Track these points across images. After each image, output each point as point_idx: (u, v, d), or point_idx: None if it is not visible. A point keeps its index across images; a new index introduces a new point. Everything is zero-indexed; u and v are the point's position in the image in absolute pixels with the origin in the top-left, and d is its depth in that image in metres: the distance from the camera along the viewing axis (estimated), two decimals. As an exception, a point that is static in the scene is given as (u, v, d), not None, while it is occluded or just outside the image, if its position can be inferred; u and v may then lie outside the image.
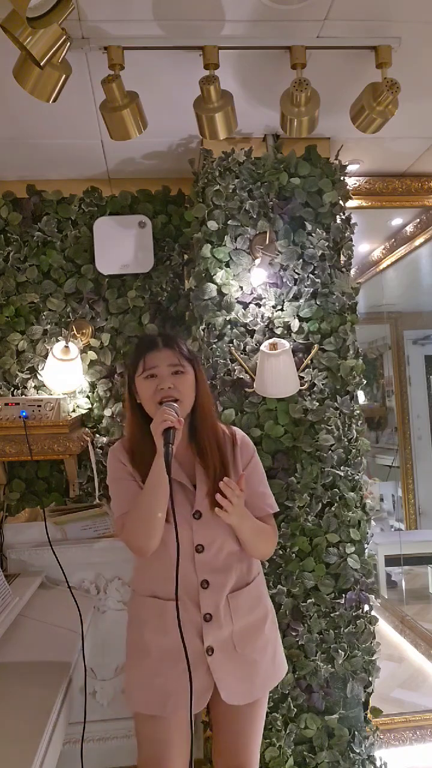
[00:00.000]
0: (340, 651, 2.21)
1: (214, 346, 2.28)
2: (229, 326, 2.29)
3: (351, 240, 2.39)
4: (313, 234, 2.33)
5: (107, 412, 2.63)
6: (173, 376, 1.57)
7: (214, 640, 1.57)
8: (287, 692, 2.19)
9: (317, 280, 2.32)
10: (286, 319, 2.31)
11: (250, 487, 1.66)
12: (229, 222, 2.31)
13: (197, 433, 1.64)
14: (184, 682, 1.51)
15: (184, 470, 1.62)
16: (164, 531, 1.53)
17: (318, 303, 2.32)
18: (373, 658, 2.26)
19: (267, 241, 2.30)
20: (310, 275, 2.32)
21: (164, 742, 1.57)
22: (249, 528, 1.60)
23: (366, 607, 2.27)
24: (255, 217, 2.32)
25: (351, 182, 2.66)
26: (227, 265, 2.30)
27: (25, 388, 2.61)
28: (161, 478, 1.46)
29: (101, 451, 2.61)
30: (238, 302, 2.31)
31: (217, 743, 1.71)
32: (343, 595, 2.24)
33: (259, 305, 2.31)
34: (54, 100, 1.73)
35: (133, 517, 1.54)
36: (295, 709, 2.19)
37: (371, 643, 2.26)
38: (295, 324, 2.31)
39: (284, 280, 2.32)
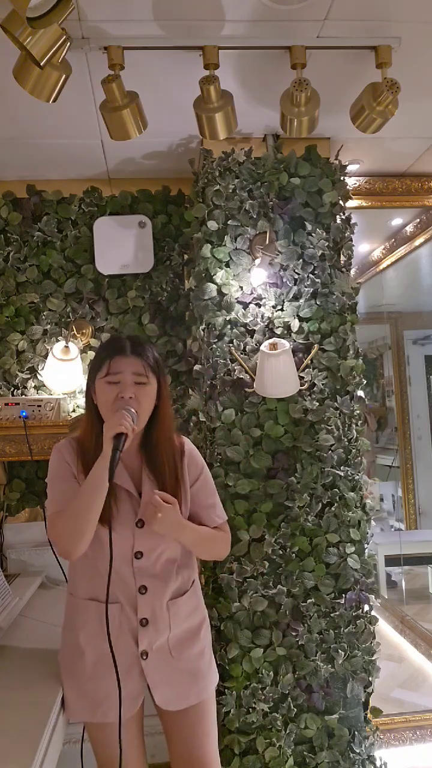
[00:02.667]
0: (340, 651, 2.21)
1: (214, 346, 2.28)
2: (229, 326, 2.29)
3: (351, 240, 2.39)
4: (313, 234, 2.33)
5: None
6: (136, 386, 1.52)
7: (149, 645, 1.56)
8: (287, 692, 2.19)
9: (317, 280, 2.32)
10: (286, 319, 2.31)
11: (200, 501, 1.67)
12: (229, 222, 2.31)
13: (151, 444, 1.60)
14: (116, 688, 1.51)
15: (132, 478, 1.59)
16: (104, 536, 1.49)
17: (318, 303, 2.32)
18: (373, 658, 2.26)
19: (267, 241, 2.30)
20: (310, 275, 2.32)
21: (113, 747, 1.55)
22: (190, 539, 1.60)
23: (366, 607, 2.27)
24: (255, 217, 2.32)
25: (351, 182, 2.66)
26: (227, 265, 2.30)
27: (25, 388, 2.61)
28: (102, 480, 1.43)
29: (101, 451, 2.60)
30: (238, 302, 2.31)
31: (169, 749, 1.69)
32: (343, 595, 2.24)
33: (259, 305, 2.31)
34: (54, 100, 1.73)
35: (66, 517, 1.49)
36: (295, 709, 2.19)
37: (371, 643, 2.26)
38: (295, 324, 2.31)
39: (284, 280, 2.32)
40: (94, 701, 1.56)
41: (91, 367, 1.60)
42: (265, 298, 2.31)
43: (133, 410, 1.48)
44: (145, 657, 1.56)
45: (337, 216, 2.38)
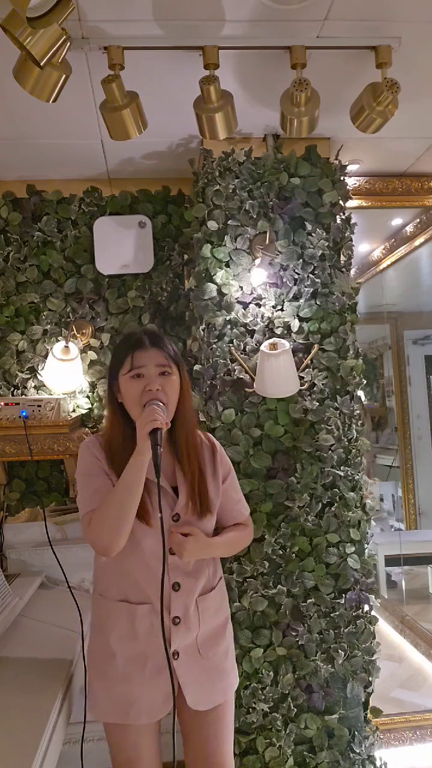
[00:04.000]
0: (340, 651, 2.21)
1: (214, 346, 2.28)
2: (229, 326, 2.29)
3: (351, 240, 2.39)
4: (313, 234, 2.33)
5: (107, 412, 2.63)
6: (160, 377, 1.52)
7: (180, 644, 1.55)
8: (287, 692, 2.19)
9: (317, 280, 2.32)
10: (286, 319, 2.31)
11: (229, 497, 1.70)
12: (229, 222, 2.31)
13: (177, 437, 1.60)
14: (148, 689, 1.52)
15: (164, 473, 1.58)
16: (139, 532, 1.50)
17: (318, 303, 2.32)
18: (373, 658, 2.26)
19: (267, 241, 2.30)
20: (310, 275, 2.32)
21: (133, 747, 1.55)
22: (220, 552, 1.65)
23: (366, 607, 2.27)
24: (255, 217, 2.32)
25: (351, 182, 2.66)
26: (227, 265, 2.30)
27: (25, 388, 2.61)
28: (139, 477, 1.44)
29: (101, 451, 2.61)
30: (238, 302, 2.31)
31: (187, 748, 1.69)
32: (343, 595, 2.24)
33: (259, 305, 2.31)
34: (54, 100, 1.73)
35: (103, 514, 1.47)
36: (295, 709, 2.19)
37: (371, 643, 2.26)
38: (295, 324, 2.31)
39: (284, 280, 2.32)
40: (127, 703, 1.53)
41: (112, 365, 1.59)
42: (265, 298, 2.31)
43: (161, 403, 1.48)
44: (176, 657, 1.55)
45: (337, 216, 2.38)
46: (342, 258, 2.37)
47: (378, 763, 2.24)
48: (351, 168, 2.54)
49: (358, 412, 2.33)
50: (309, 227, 2.34)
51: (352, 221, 2.40)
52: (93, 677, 1.60)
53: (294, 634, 2.20)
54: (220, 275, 2.28)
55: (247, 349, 2.30)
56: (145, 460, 1.44)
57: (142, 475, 1.45)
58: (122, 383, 1.54)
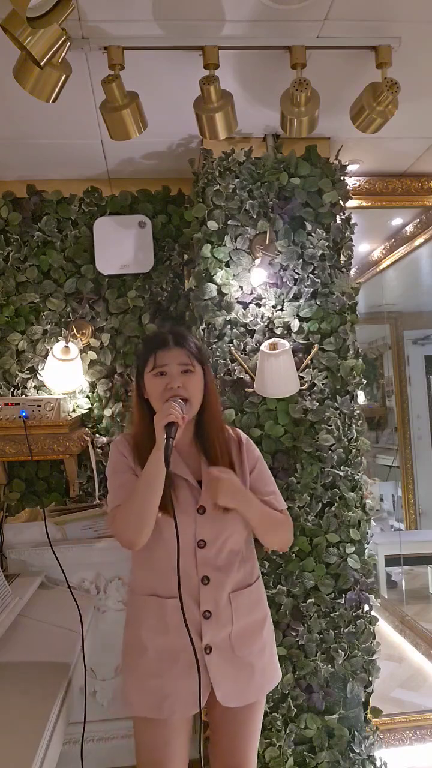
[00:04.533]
0: (340, 651, 2.21)
1: (214, 346, 2.28)
2: (229, 326, 2.29)
3: (351, 240, 2.39)
4: (313, 234, 2.33)
5: (107, 412, 2.63)
6: (183, 375, 1.56)
7: (212, 639, 1.55)
8: (287, 692, 2.19)
9: (317, 280, 2.32)
10: (286, 319, 2.31)
11: (259, 489, 1.67)
12: (229, 222, 2.31)
13: (204, 432, 1.63)
14: (182, 684, 1.52)
15: (189, 467, 1.62)
16: (165, 526, 1.51)
17: (318, 303, 2.32)
18: (373, 658, 2.26)
19: (267, 241, 2.30)
20: (310, 275, 2.32)
21: (164, 745, 1.55)
22: (257, 513, 1.60)
23: (366, 607, 2.27)
24: (255, 217, 2.32)
25: (351, 182, 2.66)
26: (227, 265, 2.30)
27: (25, 388, 2.61)
28: (158, 470, 1.46)
29: (101, 451, 2.61)
30: (238, 302, 2.31)
31: (214, 745, 1.70)
32: (343, 595, 2.24)
33: (259, 305, 2.31)
34: (54, 100, 1.73)
35: (126, 508, 1.52)
36: (295, 709, 2.19)
37: (371, 643, 2.26)
38: (295, 324, 2.31)
39: (284, 280, 2.32)
40: (159, 697, 1.54)
41: (138, 364, 1.64)
42: (265, 298, 2.31)
43: (180, 400, 1.52)
44: (208, 651, 1.54)
45: (337, 216, 2.38)
46: (342, 258, 2.37)
47: (378, 763, 2.24)
48: (351, 168, 2.54)
49: (357, 412, 2.33)
50: (309, 227, 2.34)
51: (352, 221, 2.40)
52: (126, 672, 1.62)
53: (294, 634, 2.20)
54: (220, 275, 2.28)
55: (247, 349, 2.30)
56: (162, 454, 1.46)
57: (161, 469, 1.46)
58: (147, 381, 1.59)
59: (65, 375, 2.51)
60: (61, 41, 1.55)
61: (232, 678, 1.57)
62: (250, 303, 2.31)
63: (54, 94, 1.72)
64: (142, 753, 1.60)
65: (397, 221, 3.17)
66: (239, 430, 1.75)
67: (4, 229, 2.63)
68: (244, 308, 2.31)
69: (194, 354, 1.60)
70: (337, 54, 1.88)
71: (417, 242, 3.13)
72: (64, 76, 1.69)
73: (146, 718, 1.56)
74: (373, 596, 2.28)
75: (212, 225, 2.30)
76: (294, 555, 2.23)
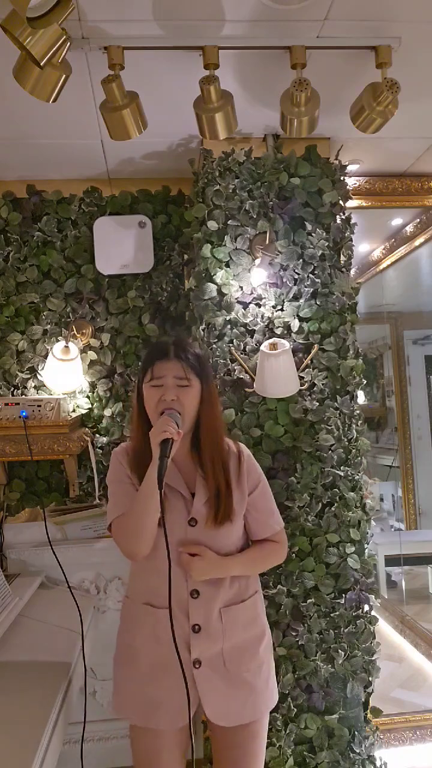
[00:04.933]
0: (340, 651, 2.21)
1: (214, 346, 2.28)
2: (229, 326, 2.29)
3: (351, 240, 2.39)
4: (313, 234, 2.33)
5: (107, 412, 2.63)
6: (178, 389, 1.55)
7: (202, 653, 1.54)
8: (287, 692, 2.19)
9: (317, 280, 2.32)
10: (286, 319, 2.31)
11: (260, 508, 1.68)
12: (229, 222, 2.31)
13: (201, 446, 1.62)
14: (171, 695, 1.51)
15: (184, 478, 1.61)
16: (158, 537, 1.51)
17: (318, 303, 2.32)
18: (373, 658, 2.26)
19: (267, 241, 2.30)
20: (310, 275, 2.32)
21: (157, 755, 1.55)
22: (241, 570, 1.61)
23: (366, 607, 2.27)
24: (255, 217, 2.32)
25: (351, 182, 2.66)
26: (227, 265, 2.30)
27: (25, 388, 2.61)
28: (154, 488, 1.46)
29: (101, 451, 2.61)
30: (238, 302, 2.31)
31: (214, 765, 1.68)
32: (343, 595, 2.24)
33: (259, 305, 2.31)
34: (54, 100, 1.73)
35: (125, 521, 1.54)
36: (295, 709, 2.19)
37: (371, 643, 2.26)
38: (295, 324, 2.31)
39: (284, 280, 2.32)
40: (150, 706, 1.54)
41: (138, 375, 1.65)
42: (265, 298, 2.31)
43: (176, 413, 1.52)
44: (197, 666, 1.53)
45: (337, 216, 2.38)
46: (342, 258, 2.37)
47: (378, 763, 2.24)
48: (351, 168, 2.54)
49: (357, 412, 2.33)
50: (309, 227, 2.34)
51: (352, 221, 2.40)
52: (119, 677, 1.62)
53: (294, 634, 2.20)
54: (220, 275, 2.28)
55: (247, 349, 2.30)
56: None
57: (156, 488, 1.46)
58: (144, 391, 1.60)
59: (65, 375, 2.51)
60: (61, 41, 1.55)
61: (223, 695, 1.55)
62: (250, 303, 2.31)
63: (54, 94, 1.72)
64: (138, 760, 1.60)
65: (397, 221, 3.17)
66: (242, 445, 1.73)
67: (4, 229, 2.63)
68: (244, 308, 2.31)
69: (193, 367, 1.58)
70: (337, 54, 1.88)
71: (417, 242, 3.13)
72: (64, 76, 1.69)
73: (139, 726, 1.56)
74: (373, 596, 2.28)
75: (212, 225, 2.29)
76: (294, 555, 2.23)
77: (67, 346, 2.51)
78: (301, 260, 2.33)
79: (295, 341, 2.30)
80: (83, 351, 2.62)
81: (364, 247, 3.47)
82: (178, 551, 1.54)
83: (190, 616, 1.54)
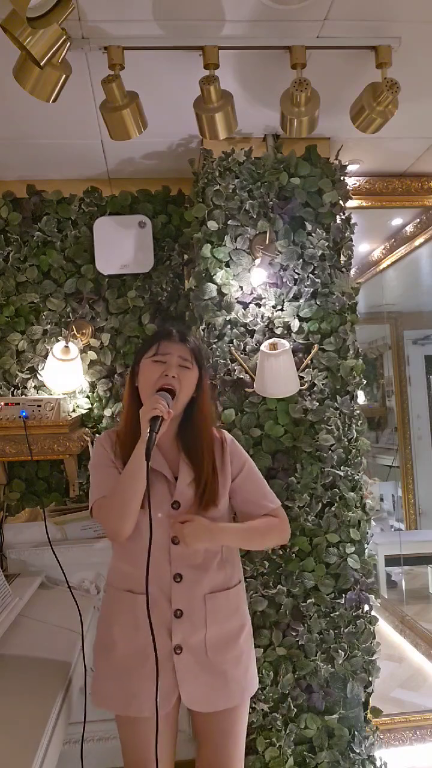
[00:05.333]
0: (340, 651, 2.21)
1: (214, 346, 2.28)
2: (229, 326, 2.29)
3: (351, 240, 2.39)
4: (313, 234, 2.33)
5: (107, 412, 2.63)
6: (180, 368, 1.58)
7: (183, 639, 1.54)
8: (287, 692, 2.19)
9: (317, 280, 2.32)
10: (286, 319, 2.31)
11: (248, 490, 1.68)
12: (229, 222, 2.31)
13: (189, 432, 1.64)
14: (150, 683, 1.49)
15: (168, 463, 1.62)
16: (141, 520, 1.51)
17: (318, 303, 2.32)
18: (373, 658, 2.26)
19: (267, 241, 2.30)
20: (310, 275, 2.32)
21: (145, 743, 1.54)
22: (234, 538, 1.61)
23: (366, 607, 2.27)
24: (255, 217, 2.32)
25: (351, 182, 2.66)
26: (227, 265, 2.30)
27: (25, 388, 2.61)
28: (141, 462, 1.47)
29: (101, 451, 2.61)
30: (238, 302, 2.31)
31: (198, 749, 1.69)
32: (343, 595, 2.24)
33: (259, 305, 2.31)
34: (54, 100, 1.73)
35: (110, 500, 1.54)
36: (295, 709, 2.19)
37: (371, 643, 2.26)
38: (295, 324, 2.31)
39: (284, 280, 2.32)
40: (129, 694, 1.53)
41: (138, 350, 1.67)
42: (265, 298, 2.31)
43: (168, 395, 1.52)
44: (178, 651, 1.53)
45: (337, 216, 2.38)
46: (342, 258, 2.37)
47: (378, 763, 2.24)
48: (351, 168, 2.54)
49: (357, 412, 2.33)
50: (309, 227, 2.34)
51: (352, 221, 2.40)
52: (97, 667, 1.62)
53: (294, 634, 2.20)
54: (220, 275, 2.28)
55: (247, 349, 2.30)
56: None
57: (143, 465, 1.47)
58: (143, 366, 1.61)
59: (65, 375, 2.51)
60: (61, 41, 1.55)
61: (202, 682, 1.56)
62: (250, 303, 2.31)
63: (54, 94, 1.72)
64: (126, 752, 1.61)
65: (397, 221, 3.17)
66: (224, 432, 1.75)
67: (4, 229, 2.63)
68: (244, 308, 2.31)
69: (194, 354, 1.63)
70: (337, 54, 1.88)
71: (417, 242, 3.13)
72: (64, 76, 1.69)
73: (124, 716, 1.56)
74: (373, 596, 2.28)
75: (212, 225, 2.29)
76: (294, 555, 2.23)
77: (67, 346, 2.51)
78: (301, 260, 2.33)
79: (295, 341, 2.30)
80: (83, 351, 2.62)
81: (364, 247, 3.47)
82: (169, 520, 1.54)
83: (173, 600, 1.54)
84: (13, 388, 2.60)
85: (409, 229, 3.16)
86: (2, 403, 2.32)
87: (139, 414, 1.51)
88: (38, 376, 2.60)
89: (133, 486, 1.49)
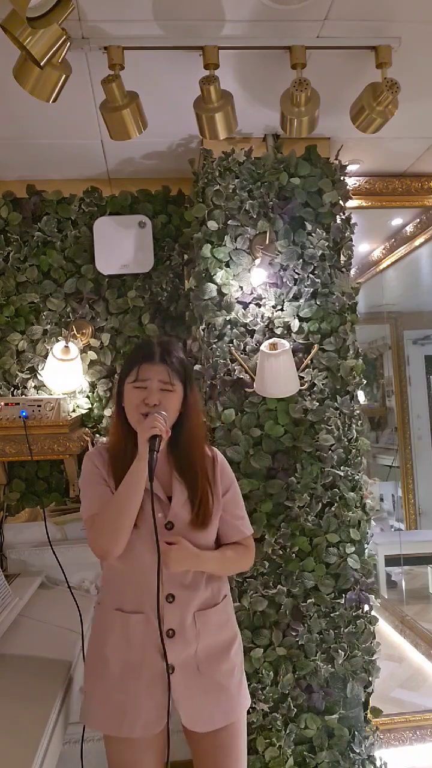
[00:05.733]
0: (340, 651, 2.21)
1: (214, 346, 2.28)
2: (229, 326, 2.29)
3: (351, 240, 2.39)
4: (313, 234, 2.33)
5: (107, 412, 2.63)
6: (161, 393, 1.56)
7: (176, 658, 1.52)
8: (287, 692, 2.19)
9: (317, 280, 2.32)
10: (286, 319, 2.31)
11: (229, 512, 1.68)
12: (229, 222, 2.31)
13: (180, 449, 1.63)
14: (143, 701, 1.49)
15: (160, 482, 1.60)
16: (135, 540, 1.51)
17: (318, 303, 2.32)
18: (373, 658, 2.26)
19: (267, 241, 2.30)
20: (310, 275, 2.32)
21: (134, 763, 1.52)
22: (211, 566, 1.60)
23: (366, 607, 2.27)
24: (255, 217, 2.32)
25: (351, 182, 2.66)
26: (227, 265, 2.30)
27: (25, 388, 2.61)
28: (138, 481, 1.46)
29: (101, 451, 2.61)
30: (238, 302, 2.31)
31: None
32: (343, 595, 2.24)
33: (259, 305, 2.31)
34: (54, 100, 1.73)
35: (103, 518, 1.52)
36: (295, 709, 2.19)
37: (371, 643, 2.26)
38: (295, 324, 2.31)
39: (284, 280, 2.32)
40: (119, 714, 1.51)
41: (121, 372, 1.64)
42: (265, 298, 2.31)
43: (163, 413, 1.52)
44: (171, 671, 1.51)
45: (337, 216, 2.38)
46: (342, 258, 2.37)
47: (378, 763, 2.24)
48: (351, 168, 2.54)
49: (357, 412, 2.33)
50: (309, 227, 2.34)
51: (352, 221, 2.40)
52: (87, 687, 1.59)
53: (294, 634, 2.20)
54: (220, 275, 2.28)
55: (247, 349, 2.30)
56: (146, 465, 1.47)
57: (142, 479, 1.47)
58: (126, 391, 1.59)
59: (65, 375, 2.51)
60: (61, 41, 1.55)
61: (198, 700, 1.54)
62: (250, 303, 2.31)
63: (54, 94, 1.72)
64: None
65: (397, 221, 3.17)
66: (216, 450, 1.75)
67: (4, 229, 2.63)
68: (244, 308, 2.31)
69: (177, 372, 1.59)
70: (337, 54, 1.88)
71: (417, 242, 3.13)
72: (64, 76, 1.69)
73: (112, 736, 1.53)
74: (373, 596, 2.28)
75: (212, 225, 2.29)
76: (294, 555, 2.23)
77: (67, 346, 2.51)
78: (301, 260, 2.33)
79: (295, 341, 2.30)
80: (83, 351, 2.62)
81: (364, 247, 3.47)
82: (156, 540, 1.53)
83: (165, 620, 1.53)
84: (13, 388, 2.60)
85: (409, 229, 3.16)
86: (2, 403, 2.32)
87: (138, 433, 1.50)
88: (38, 376, 2.60)
89: (128, 505, 1.48)
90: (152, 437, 1.47)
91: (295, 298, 2.33)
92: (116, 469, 1.57)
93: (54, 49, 1.54)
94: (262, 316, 2.30)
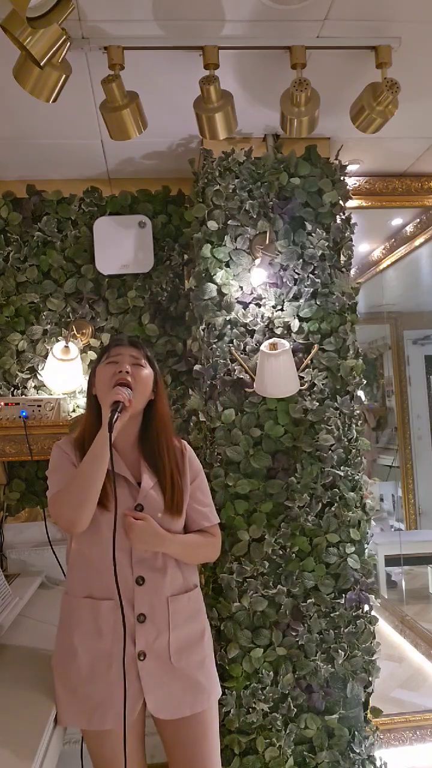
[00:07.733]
0: (340, 651, 2.21)
1: (214, 346, 2.28)
2: (229, 326, 2.29)
3: (351, 240, 2.39)
4: (313, 234, 2.33)
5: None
6: (133, 366, 1.62)
7: (147, 645, 1.52)
8: (287, 692, 2.19)
9: (317, 280, 2.32)
10: (286, 319, 2.31)
11: (197, 500, 1.71)
12: (229, 222, 2.31)
13: (149, 437, 1.67)
14: (114, 692, 1.47)
15: (129, 467, 1.63)
16: (102, 522, 1.52)
17: (318, 303, 2.32)
18: (373, 658, 2.26)
19: (267, 241, 2.30)
20: (310, 275, 2.32)
21: (113, 754, 1.51)
22: (174, 548, 1.60)
23: (366, 607, 2.27)
24: (255, 217, 2.32)
25: (351, 182, 2.66)
26: (227, 265, 2.30)
27: (25, 388, 2.61)
28: (102, 450, 1.49)
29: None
30: (238, 302, 2.31)
31: (169, 760, 1.65)
32: (343, 595, 2.24)
33: (259, 305, 2.31)
34: (54, 100, 1.73)
35: (68, 488, 1.53)
36: (295, 709, 2.19)
37: (371, 643, 2.26)
38: (295, 324, 2.31)
39: (284, 280, 2.32)
40: (90, 707, 1.50)
41: (94, 364, 1.71)
42: (265, 298, 2.31)
43: (129, 389, 1.56)
44: (142, 658, 1.51)
45: (337, 216, 2.38)
46: (342, 258, 2.37)
47: (378, 763, 2.24)
48: (351, 168, 2.54)
49: (358, 412, 2.33)
50: (309, 227, 2.34)
51: (352, 221, 2.40)
52: (57, 679, 1.56)
53: (294, 634, 2.20)
54: (220, 275, 2.28)
55: (247, 349, 2.30)
56: (108, 434, 1.49)
57: (106, 449, 1.49)
58: (98, 372, 1.65)
59: (65, 375, 2.51)
60: (61, 41, 1.55)
61: (166, 688, 1.54)
62: (250, 303, 2.31)
63: (54, 94, 1.72)
64: (96, 762, 1.58)
65: (397, 221, 3.17)
66: (184, 441, 1.78)
67: (4, 229, 2.63)
68: (244, 308, 2.31)
69: (147, 358, 1.67)
70: (337, 54, 1.88)
71: (417, 242, 3.13)
72: (64, 76, 1.69)
73: (90, 730, 1.52)
74: (373, 596, 2.28)
75: (212, 225, 2.29)
76: (294, 555, 2.23)
77: (67, 346, 2.51)
78: (301, 260, 2.33)
79: (295, 341, 2.30)
80: (83, 351, 2.62)
81: (364, 247, 3.47)
82: (123, 513, 1.54)
83: (135, 605, 1.53)
84: (13, 388, 2.60)
85: (409, 229, 3.16)
86: (2, 403, 2.32)
87: (100, 401, 1.55)
88: (38, 376, 2.60)
89: (93, 471, 1.50)
90: (114, 403, 1.50)
91: (295, 298, 2.33)
92: (85, 454, 1.58)
93: (54, 49, 1.54)
94: (262, 316, 2.30)
